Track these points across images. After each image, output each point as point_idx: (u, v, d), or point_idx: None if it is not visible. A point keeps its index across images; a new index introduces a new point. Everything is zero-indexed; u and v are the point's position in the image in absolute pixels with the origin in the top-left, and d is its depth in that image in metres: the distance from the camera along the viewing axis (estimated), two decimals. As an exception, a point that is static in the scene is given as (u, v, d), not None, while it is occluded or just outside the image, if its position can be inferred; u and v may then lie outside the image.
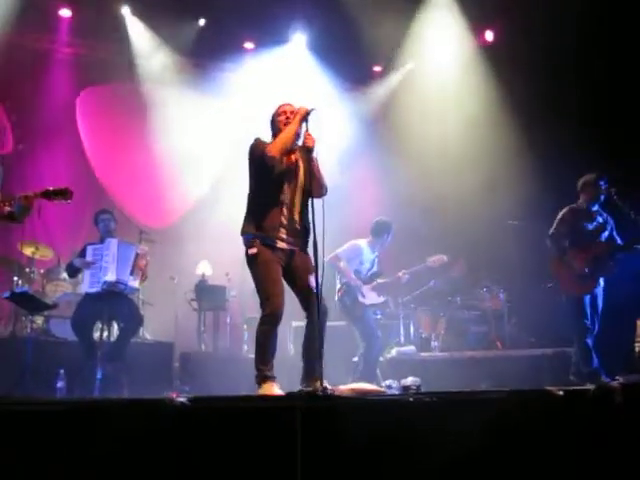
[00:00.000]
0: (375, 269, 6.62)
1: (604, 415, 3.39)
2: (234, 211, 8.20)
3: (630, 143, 7.20)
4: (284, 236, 4.16)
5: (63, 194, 4.25)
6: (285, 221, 4.16)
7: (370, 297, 6.49)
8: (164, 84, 8.89)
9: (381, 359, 6.80)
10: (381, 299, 6.62)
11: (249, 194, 4.29)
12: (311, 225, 3.96)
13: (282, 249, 4.16)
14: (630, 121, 7.23)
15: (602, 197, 5.87)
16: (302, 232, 4.16)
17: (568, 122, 7.55)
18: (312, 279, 3.94)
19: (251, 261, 4.17)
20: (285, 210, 4.18)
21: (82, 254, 6.18)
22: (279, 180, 4.19)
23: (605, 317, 5.84)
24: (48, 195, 4.23)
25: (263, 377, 4.04)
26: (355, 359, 6.52)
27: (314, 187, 4.18)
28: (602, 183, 5.85)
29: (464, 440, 3.16)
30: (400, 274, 6.70)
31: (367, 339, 6.34)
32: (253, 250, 4.13)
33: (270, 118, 4.41)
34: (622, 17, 7.22)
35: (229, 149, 9.34)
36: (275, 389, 3.99)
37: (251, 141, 4.28)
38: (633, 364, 6.05)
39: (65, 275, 7.07)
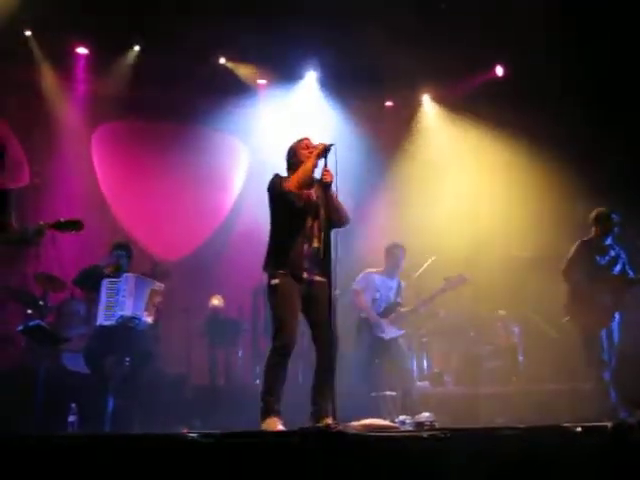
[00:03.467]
0: (396, 299, 6.52)
1: (622, 452, 3.33)
2: (247, 244, 8.38)
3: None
4: (306, 267, 4.20)
5: (74, 225, 4.34)
6: (307, 253, 4.21)
7: (389, 331, 6.40)
8: (178, 119, 9.02)
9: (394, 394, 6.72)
10: (401, 331, 6.49)
11: (271, 228, 4.35)
12: (333, 256, 4.07)
13: (304, 280, 4.20)
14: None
15: (615, 230, 5.86)
16: (324, 263, 4.18)
17: (583, 155, 7.58)
18: (328, 313, 3.98)
19: (271, 292, 4.23)
20: (307, 243, 4.24)
21: (97, 286, 6.19)
22: (300, 214, 4.26)
23: (622, 352, 5.78)
24: (60, 226, 4.33)
25: (267, 410, 4.04)
26: (373, 394, 6.45)
27: (335, 218, 4.27)
28: (614, 217, 5.85)
29: (479, 477, 3.11)
30: (418, 305, 6.61)
31: (395, 373, 6.30)
32: (275, 281, 4.20)
33: (289, 150, 4.47)
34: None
35: (242, 183, 9.44)
36: (278, 425, 3.97)
37: (270, 177, 4.35)
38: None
39: (79, 308, 7.10)
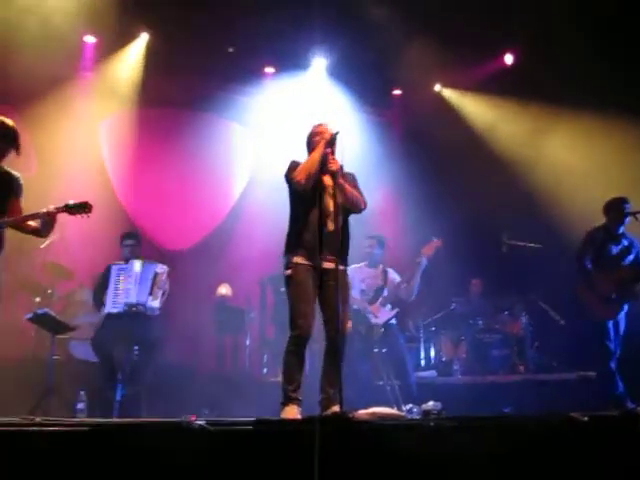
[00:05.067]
0: (384, 284, 6.50)
1: (629, 442, 3.32)
2: (255, 233, 8.38)
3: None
4: (321, 256, 4.20)
5: (83, 208, 4.37)
6: (322, 241, 4.20)
7: (382, 315, 6.42)
8: (184, 108, 9.01)
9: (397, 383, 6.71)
10: (393, 312, 6.47)
11: (289, 216, 4.38)
12: (348, 243, 4.18)
13: (319, 269, 4.20)
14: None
15: (627, 219, 5.83)
16: (341, 250, 4.21)
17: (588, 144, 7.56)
18: (339, 301, 3.98)
19: (287, 281, 4.25)
20: (321, 231, 4.22)
21: (106, 275, 6.26)
22: (314, 202, 4.26)
23: (630, 341, 5.76)
24: (69, 209, 4.35)
25: (287, 398, 4.08)
26: (380, 383, 6.44)
27: (349, 205, 4.31)
28: (627, 206, 5.82)
29: (486, 466, 3.11)
30: (400, 282, 6.49)
31: (394, 362, 6.31)
32: (289, 271, 4.22)
33: (307, 138, 4.49)
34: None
35: (250, 171, 9.43)
36: (296, 413, 3.99)
37: (279, 165, 4.37)
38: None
39: (86, 297, 7.14)
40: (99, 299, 6.29)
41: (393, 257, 6.96)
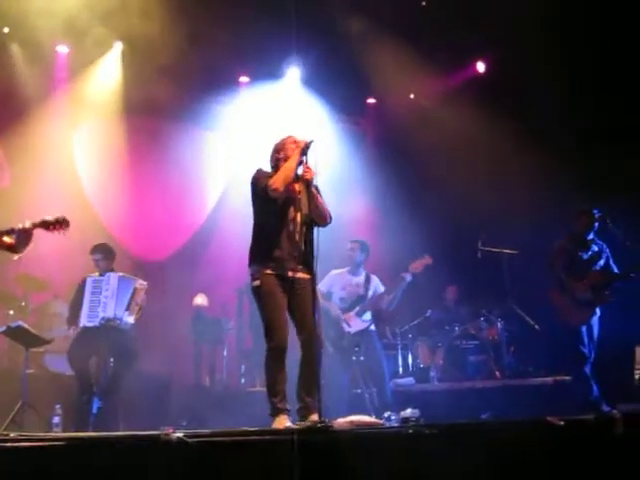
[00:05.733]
0: (366, 293, 6.45)
1: (605, 445, 3.36)
2: (230, 242, 8.35)
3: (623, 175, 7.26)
4: (291, 265, 4.20)
5: (60, 223, 4.29)
6: (291, 250, 4.21)
7: (354, 324, 6.38)
8: (159, 117, 8.96)
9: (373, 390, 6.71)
10: (366, 323, 6.41)
11: (254, 225, 4.34)
12: (316, 253, 4.08)
13: (289, 278, 4.20)
14: (621, 153, 7.27)
15: (596, 225, 5.92)
16: (308, 261, 4.18)
17: (560, 152, 7.64)
18: (312, 310, 3.98)
19: (256, 293, 4.23)
20: (290, 240, 4.23)
21: (82, 288, 6.19)
22: (283, 210, 4.25)
23: (603, 345, 5.83)
24: (46, 225, 4.27)
25: (274, 410, 4.08)
26: (359, 391, 6.43)
27: (317, 217, 4.27)
28: (595, 212, 5.92)
29: (465, 472, 3.13)
30: (379, 295, 6.46)
31: (372, 369, 6.30)
32: (257, 282, 4.20)
33: (274, 148, 4.46)
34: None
35: (225, 181, 9.41)
36: (287, 422, 4.00)
37: (252, 172, 4.33)
38: (633, 392, 6.02)
39: (60, 309, 7.05)
40: (75, 315, 6.19)
41: (372, 265, 6.93)
